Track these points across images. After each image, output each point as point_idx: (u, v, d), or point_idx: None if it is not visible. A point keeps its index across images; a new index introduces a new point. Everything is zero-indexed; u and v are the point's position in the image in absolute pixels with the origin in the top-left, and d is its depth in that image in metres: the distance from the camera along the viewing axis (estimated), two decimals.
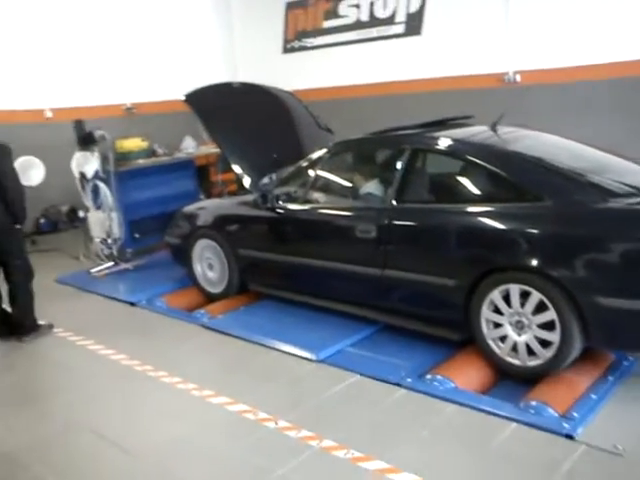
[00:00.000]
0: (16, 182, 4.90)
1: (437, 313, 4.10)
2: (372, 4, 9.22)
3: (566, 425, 3.17)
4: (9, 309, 5.12)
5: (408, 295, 4.23)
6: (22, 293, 5.02)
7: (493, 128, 4.41)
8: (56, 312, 5.50)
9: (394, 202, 4.22)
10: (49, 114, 9.01)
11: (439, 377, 3.72)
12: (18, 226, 4.94)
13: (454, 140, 4.26)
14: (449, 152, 4.22)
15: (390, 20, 9.08)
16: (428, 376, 3.77)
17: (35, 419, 3.83)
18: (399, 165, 4.30)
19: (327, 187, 4.98)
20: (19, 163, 8.55)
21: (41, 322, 5.17)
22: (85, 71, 9.35)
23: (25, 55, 8.71)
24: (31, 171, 8.66)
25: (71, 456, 3.42)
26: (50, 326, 5.22)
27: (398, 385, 3.76)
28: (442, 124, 4.84)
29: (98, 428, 3.62)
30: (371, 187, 4.63)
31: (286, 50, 10.55)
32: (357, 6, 9.41)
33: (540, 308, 3.53)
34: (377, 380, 3.86)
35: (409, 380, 3.78)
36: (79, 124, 6.90)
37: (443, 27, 8.65)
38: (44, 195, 8.52)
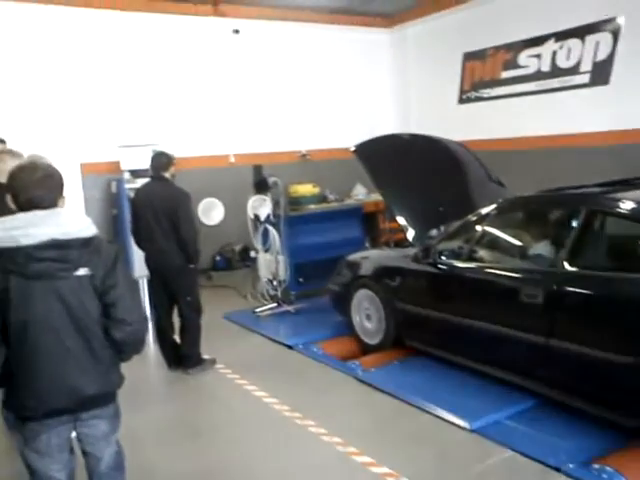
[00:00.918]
0: (191, 227, 5.18)
1: (608, 393, 3.67)
2: (555, 53, 8.83)
3: None
4: (179, 341, 5.47)
5: (575, 369, 3.83)
6: (191, 327, 5.35)
7: None
8: (220, 348, 5.81)
9: (566, 266, 3.90)
10: (232, 159, 9.72)
11: (608, 469, 3.28)
12: (191, 266, 5.27)
13: (638, 203, 3.86)
14: (631, 216, 3.82)
15: (574, 70, 8.59)
16: (595, 465, 3.34)
17: (193, 453, 4.00)
18: (573, 227, 3.99)
19: (493, 245, 4.75)
20: (203, 204, 9.30)
21: (205, 356, 5.47)
22: (266, 120, 10.00)
23: (218, 107, 9.56)
24: (212, 212, 9.38)
25: None
26: (213, 361, 5.50)
27: (557, 470, 3.40)
28: (626, 183, 4.43)
29: (244, 472, 3.70)
30: (541, 248, 4.33)
31: (462, 100, 10.43)
32: (538, 56, 9.05)
33: None
34: (533, 460, 3.53)
35: (571, 466, 3.40)
36: (258, 169, 7.35)
37: (635, 75, 8.00)
38: (222, 234, 9.17)
